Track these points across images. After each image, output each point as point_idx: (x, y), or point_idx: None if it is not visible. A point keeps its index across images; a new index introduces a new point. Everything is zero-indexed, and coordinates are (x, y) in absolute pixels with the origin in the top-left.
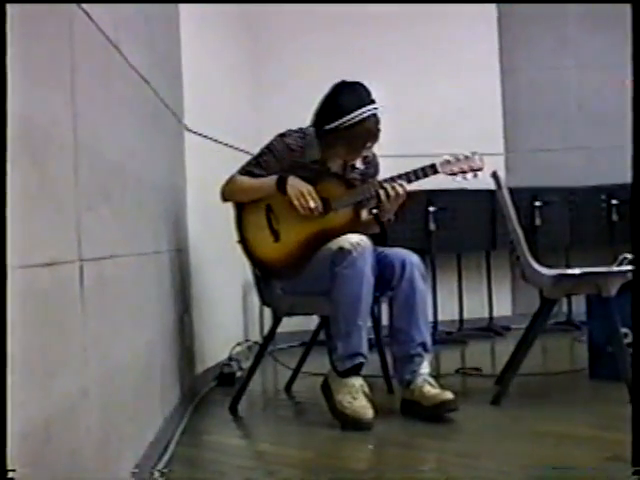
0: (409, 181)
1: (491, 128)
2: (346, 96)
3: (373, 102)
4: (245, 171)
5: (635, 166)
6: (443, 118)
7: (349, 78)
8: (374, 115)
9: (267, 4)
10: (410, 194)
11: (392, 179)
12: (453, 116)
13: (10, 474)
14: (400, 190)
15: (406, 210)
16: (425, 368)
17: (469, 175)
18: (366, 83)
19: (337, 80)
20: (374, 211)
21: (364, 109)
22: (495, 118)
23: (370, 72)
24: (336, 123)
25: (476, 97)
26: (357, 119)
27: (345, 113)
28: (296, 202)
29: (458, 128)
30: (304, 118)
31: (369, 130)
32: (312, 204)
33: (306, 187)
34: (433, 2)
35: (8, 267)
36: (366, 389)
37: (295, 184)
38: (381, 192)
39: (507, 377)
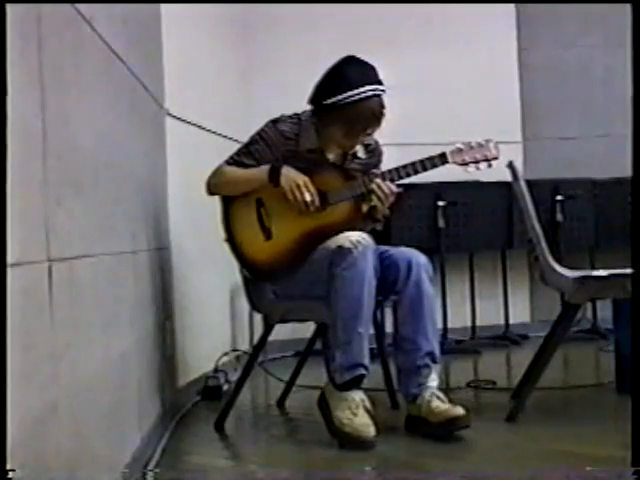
0: (416, 172)
1: (507, 113)
2: (352, 71)
3: (380, 83)
4: (233, 161)
5: (635, 165)
6: (454, 102)
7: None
8: (379, 97)
9: None
10: (417, 187)
11: (397, 170)
12: (465, 100)
13: (10, 474)
14: (386, 190)
15: (412, 205)
16: (433, 381)
17: (483, 165)
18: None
19: (340, 57)
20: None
21: (370, 87)
22: (512, 102)
23: (372, 50)
24: (337, 97)
25: (491, 79)
26: (360, 96)
27: (348, 88)
28: (290, 195)
29: (470, 113)
30: (300, 103)
31: (372, 112)
32: (308, 197)
33: (302, 178)
34: None
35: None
36: (367, 404)
37: (289, 175)
38: (376, 189)
39: (524, 391)
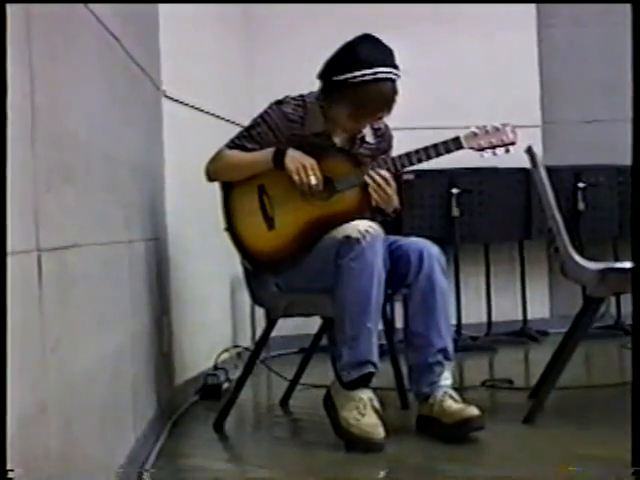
0: (428, 158)
1: (526, 95)
2: (368, 50)
3: (396, 68)
4: (235, 144)
5: (635, 163)
6: (468, 83)
7: (359, 33)
8: (393, 82)
9: None
10: (429, 174)
11: (408, 155)
12: (480, 81)
13: (10, 474)
14: (379, 180)
15: (424, 193)
16: (446, 379)
17: (499, 151)
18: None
19: (349, 36)
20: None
21: (384, 69)
22: (530, 83)
23: (382, 26)
24: (348, 75)
25: (508, 58)
26: (373, 77)
27: (361, 66)
28: (296, 177)
29: (486, 95)
30: (305, 84)
31: (383, 96)
32: (313, 180)
33: (309, 160)
34: None
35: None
36: (376, 404)
37: (295, 156)
38: (368, 179)
39: (543, 391)
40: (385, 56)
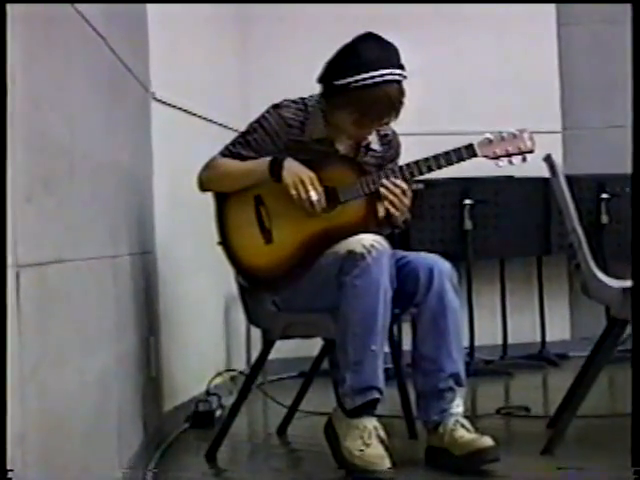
0: (439, 166)
1: (544, 98)
2: (371, 50)
3: (402, 68)
4: (229, 152)
5: (635, 164)
6: (482, 86)
7: (362, 32)
8: (399, 83)
9: None
10: (440, 184)
11: (417, 164)
12: (495, 83)
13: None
14: (397, 191)
15: (435, 204)
16: (458, 407)
17: (516, 159)
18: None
19: (353, 35)
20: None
21: (389, 71)
22: (550, 85)
23: (387, 25)
24: (350, 79)
25: (525, 59)
26: (377, 80)
27: (364, 69)
28: (294, 192)
29: (502, 99)
30: (304, 86)
31: (389, 99)
32: (314, 196)
33: (307, 173)
34: None
35: None
36: (382, 433)
37: (293, 168)
38: (384, 191)
39: (563, 419)
40: (390, 56)
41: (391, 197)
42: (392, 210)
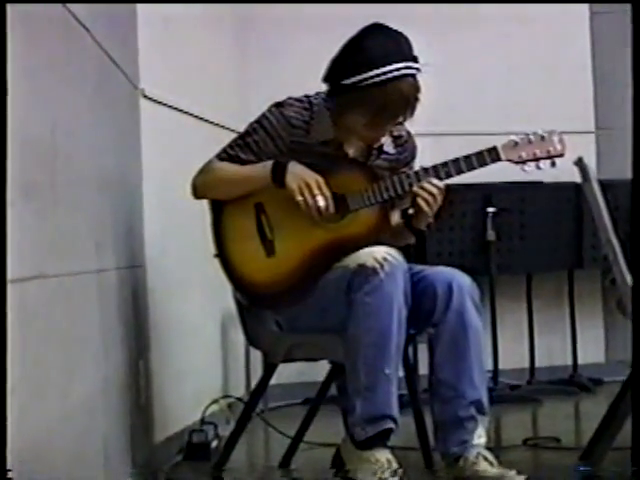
0: (459, 172)
1: (576, 96)
2: (380, 43)
3: (415, 60)
4: (227, 155)
5: (635, 166)
6: (505, 81)
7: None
8: (413, 77)
9: None
10: (460, 190)
11: (435, 169)
12: (520, 79)
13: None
14: (434, 190)
15: (454, 212)
16: (480, 437)
17: (544, 163)
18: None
19: (363, 25)
20: (409, 211)
21: (401, 65)
22: (581, 82)
23: (400, 15)
24: (359, 77)
25: (554, 52)
26: (389, 76)
27: (374, 64)
28: (299, 198)
29: (528, 95)
30: (309, 84)
31: (403, 96)
32: (321, 202)
33: (313, 177)
34: None
35: None
36: (396, 465)
37: (298, 172)
38: (419, 191)
39: (597, 451)
40: (400, 48)
41: (429, 198)
42: (425, 208)
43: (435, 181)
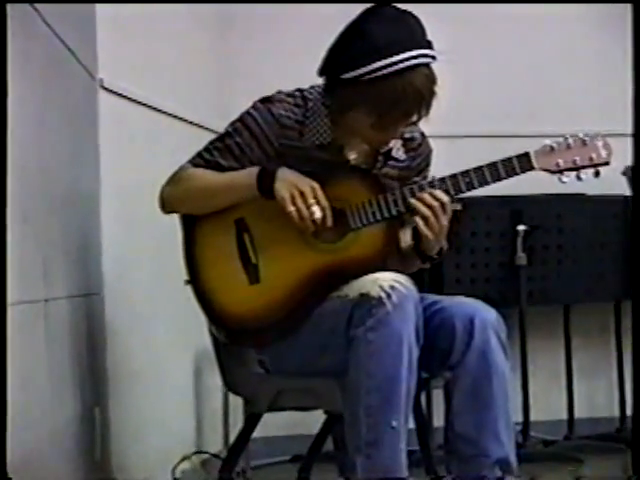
0: (483, 183)
1: (618, 92)
2: (386, 28)
3: (429, 46)
4: (203, 160)
5: (635, 167)
6: (534, 76)
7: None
8: (428, 67)
9: None
10: (484, 204)
11: (454, 178)
12: (551, 72)
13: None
14: (434, 203)
15: (477, 231)
16: None
17: (585, 173)
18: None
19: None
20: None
21: (414, 52)
22: (623, 75)
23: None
24: (362, 69)
25: (589, 41)
26: (399, 67)
27: (380, 54)
28: (291, 208)
29: (560, 91)
30: (302, 76)
31: (417, 90)
32: (318, 213)
33: (308, 183)
34: None
35: None
36: None
37: (289, 178)
38: (416, 203)
39: None
40: (411, 32)
41: (425, 211)
42: (424, 230)
43: (436, 192)
